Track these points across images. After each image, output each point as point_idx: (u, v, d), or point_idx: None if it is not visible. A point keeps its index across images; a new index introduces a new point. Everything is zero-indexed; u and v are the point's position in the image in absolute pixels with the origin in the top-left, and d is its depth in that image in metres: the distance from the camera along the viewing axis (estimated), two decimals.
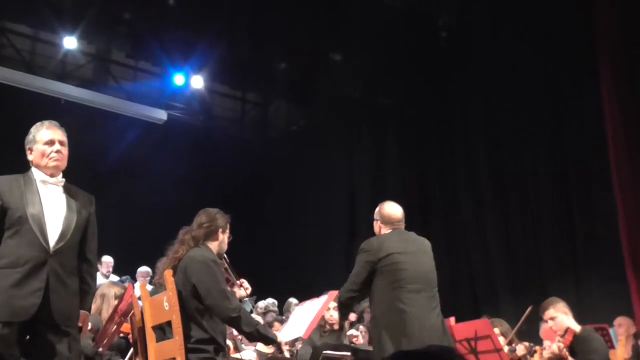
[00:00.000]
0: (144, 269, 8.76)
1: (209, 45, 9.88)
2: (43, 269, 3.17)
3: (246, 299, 4.01)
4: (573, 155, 8.76)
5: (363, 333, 6.22)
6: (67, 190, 3.41)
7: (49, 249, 3.21)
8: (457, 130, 10.44)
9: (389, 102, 11.23)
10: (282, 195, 12.20)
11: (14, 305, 3.10)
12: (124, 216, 9.92)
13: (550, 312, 4.96)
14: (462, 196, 10.18)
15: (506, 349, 4.96)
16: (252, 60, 10.56)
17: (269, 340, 3.71)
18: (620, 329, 6.42)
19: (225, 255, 3.92)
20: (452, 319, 4.72)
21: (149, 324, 3.62)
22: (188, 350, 3.38)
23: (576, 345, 4.83)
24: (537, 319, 5.29)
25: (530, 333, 5.86)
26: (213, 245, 3.79)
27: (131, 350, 4.13)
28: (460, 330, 4.47)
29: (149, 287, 4.32)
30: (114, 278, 8.57)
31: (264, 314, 7.96)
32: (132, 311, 3.95)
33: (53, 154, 3.36)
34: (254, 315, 4.99)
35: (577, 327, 4.90)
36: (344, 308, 4.23)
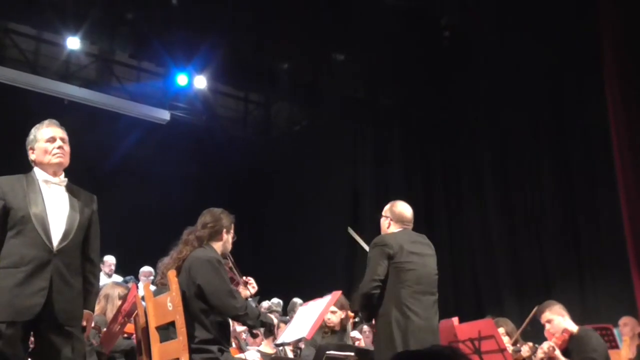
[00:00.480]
0: (146, 268, 8.77)
1: (212, 45, 9.88)
2: (47, 269, 3.17)
3: (250, 298, 4.00)
4: (577, 155, 8.74)
5: (367, 333, 6.21)
6: (69, 189, 3.41)
7: (53, 248, 3.21)
8: (460, 130, 10.43)
9: (392, 102, 11.22)
10: (285, 195, 12.20)
11: (17, 304, 3.09)
12: (127, 216, 9.92)
13: (546, 315, 4.98)
14: (465, 196, 10.17)
15: (511, 349, 4.95)
16: (255, 60, 10.56)
17: (267, 324, 3.75)
18: (626, 328, 6.41)
19: (229, 255, 3.92)
20: (455, 319, 4.72)
21: (152, 325, 3.62)
22: (192, 351, 3.39)
23: (573, 345, 4.83)
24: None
25: (536, 334, 5.84)
26: (217, 245, 3.79)
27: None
28: (464, 330, 4.46)
29: (152, 288, 4.31)
30: (117, 278, 8.57)
31: (267, 313, 7.95)
32: (136, 311, 3.95)
33: (55, 150, 3.36)
34: None
35: (574, 328, 4.90)
36: (366, 301, 4.15)
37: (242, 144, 12.17)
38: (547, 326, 4.97)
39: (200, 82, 10.84)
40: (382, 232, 4.40)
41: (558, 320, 4.92)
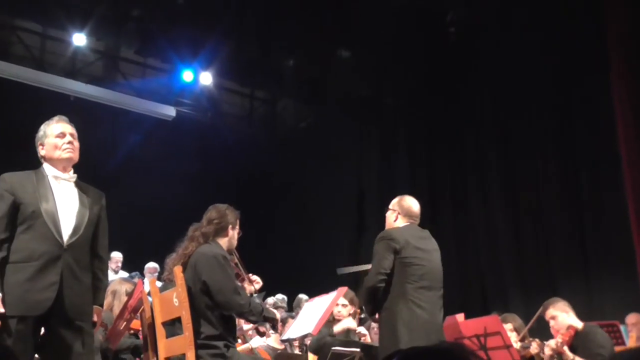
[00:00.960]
0: (151, 264, 8.79)
1: (218, 42, 9.89)
2: (57, 263, 3.18)
3: (255, 294, 4.01)
4: (583, 152, 8.70)
5: (375, 330, 6.19)
6: (78, 185, 3.43)
7: (63, 243, 3.22)
8: (466, 127, 10.40)
9: (398, 99, 11.20)
10: (290, 192, 12.20)
11: (29, 299, 3.10)
12: (133, 212, 9.95)
13: (550, 312, 4.99)
14: (471, 194, 10.14)
15: (519, 345, 4.95)
16: (260, 57, 10.56)
17: (270, 319, 3.75)
18: (636, 326, 6.36)
19: (235, 251, 3.93)
20: (461, 316, 4.71)
21: (158, 320, 3.62)
22: (198, 346, 3.39)
23: (578, 341, 4.83)
24: None
25: (543, 330, 5.83)
26: (223, 242, 3.80)
27: None
28: (470, 326, 4.46)
29: (159, 284, 4.33)
30: (124, 274, 8.60)
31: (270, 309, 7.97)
32: (142, 307, 3.96)
33: (65, 146, 3.38)
34: None
35: (579, 324, 4.89)
36: (372, 294, 4.12)
37: (248, 140, 12.17)
38: (552, 323, 4.98)
39: (206, 78, 10.86)
40: (388, 226, 4.38)
41: (562, 316, 4.93)
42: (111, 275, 7.91)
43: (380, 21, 9.68)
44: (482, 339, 4.32)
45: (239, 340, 5.54)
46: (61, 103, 9.85)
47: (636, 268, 7.53)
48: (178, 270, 3.50)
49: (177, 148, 11.50)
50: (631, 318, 6.54)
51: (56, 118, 3.47)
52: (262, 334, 6.30)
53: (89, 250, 3.37)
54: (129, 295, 4.42)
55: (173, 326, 3.71)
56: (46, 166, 3.40)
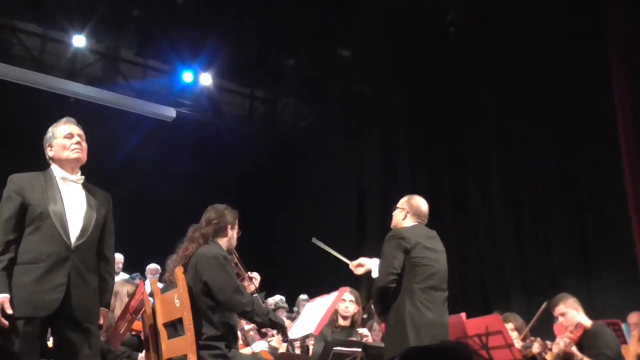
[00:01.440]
0: (153, 266, 8.78)
1: (218, 42, 9.88)
2: (65, 265, 3.19)
3: (256, 294, 4.01)
4: (584, 150, 8.70)
5: (377, 331, 6.19)
6: (86, 187, 3.46)
7: (71, 244, 3.23)
8: (467, 126, 10.40)
9: (399, 98, 11.19)
10: (291, 192, 12.20)
11: (36, 300, 3.11)
12: (133, 213, 9.95)
13: (560, 308, 4.95)
14: (471, 193, 10.14)
15: (520, 345, 4.95)
16: (260, 57, 10.55)
17: (278, 325, 3.72)
18: (639, 326, 6.35)
19: (234, 251, 3.93)
20: (463, 315, 4.71)
21: (160, 321, 3.63)
22: (199, 347, 3.39)
23: (586, 340, 4.81)
24: (549, 315, 5.27)
25: (544, 329, 5.83)
26: (222, 242, 3.80)
27: None
28: (472, 325, 4.46)
29: (160, 285, 4.33)
30: (124, 275, 8.59)
31: (274, 310, 7.96)
32: (144, 308, 3.96)
33: (74, 146, 3.41)
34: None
35: (587, 323, 4.88)
36: (383, 295, 4.09)
37: (248, 140, 12.17)
38: (560, 319, 4.94)
39: (206, 79, 10.85)
40: (395, 224, 4.36)
41: (572, 313, 4.90)
42: None
43: (381, 20, 9.68)
44: (483, 338, 4.33)
45: (240, 341, 5.54)
46: (61, 105, 9.85)
47: (637, 267, 7.53)
48: (179, 271, 3.50)
49: (178, 149, 11.50)
50: (633, 317, 6.53)
51: (64, 120, 3.50)
52: (263, 335, 6.29)
53: (95, 252, 3.38)
54: (131, 296, 4.41)
55: (175, 327, 3.71)
56: (54, 167, 3.42)
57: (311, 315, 4.23)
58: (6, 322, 3.04)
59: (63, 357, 3.21)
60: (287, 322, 4.40)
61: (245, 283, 3.96)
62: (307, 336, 4.10)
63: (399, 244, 4.08)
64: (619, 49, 7.97)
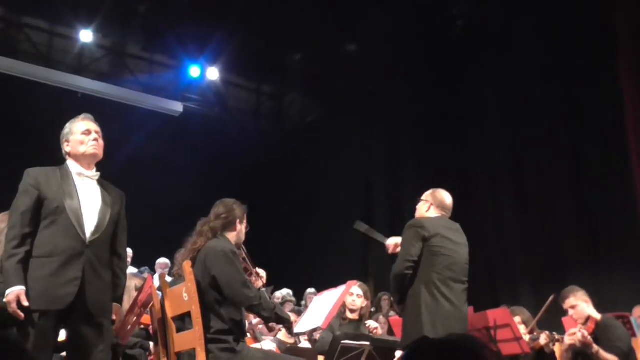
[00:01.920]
0: (162, 260, 8.82)
1: (224, 37, 9.89)
2: (80, 259, 3.21)
3: (263, 289, 4.01)
4: (591, 145, 8.67)
5: (382, 324, 6.20)
6: (101, 184, 3.48)
7: (86, 239, 3.26)
8: (473, 121, 10.36)
9: (404, 93, 11.17)
10: (297, 187, 12.20)
11: (51, 294, 3.13)
12: (141, 208, 9.95)
13: (570, 301, 4.93)
14: (479, 187, 10.12)
15: (528, 337, 4.94)
16: (267, 52, 10.55)
17: (285, 320, 3.73)
18: None
19: (242, 246, 3.93)
20: (470, 309, 4.70)
21: (168, 315, 3.64)
22: (208, 341, 3.40)
23: (598, 333, 4.80)
24: (557, 308, 5.26)
25: (551, 322, 5.82)
26: (231, 236, 3.80)
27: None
28: (480, 319, 4.46)
29: (169, 279, 4.34)
30: (132, 269, 8.62)
31: (281, 304, 7.99)
32: (152, 302, 3.97)
33: (91, 142, 3.44)
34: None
35: (597, 316, 4.87)
36: (400, 282, 4.08)
37: (255, 135, 12.18)
38: (571, 312, 4.93)
39: (213, 73, 10.87)
40: (419, 216, 4.35)
41: (582, 306, 4.89)
42: None
43: (387, 14, 9.65)
44: (492, 331, 4.32)
45: (248, 335, 5.55)
46: (68, 100, 9.88)
47: None
48: (187, 265, 3.51)
49: (185, 143, 11.52)
50: (638, 310, 6.52)
51: (82, 116, 3.52)
52: (271, 330, 6.31)
53: (109, 248, 3.41)
54: (139, 290, 4.44)
55: (183, 321, 3.72)
56: (70, 163, 3.44)
57: (319, 309, 4.24)
58: (22, 314, 3.06)
59: (76, 351, 3.23)
60: (293, 317, 4.42)
61: (253, 278, 3.96)
62: (315, 330, 4.09)
63: (417, 232, 4.08)
64: (628, 45, 7.92)
